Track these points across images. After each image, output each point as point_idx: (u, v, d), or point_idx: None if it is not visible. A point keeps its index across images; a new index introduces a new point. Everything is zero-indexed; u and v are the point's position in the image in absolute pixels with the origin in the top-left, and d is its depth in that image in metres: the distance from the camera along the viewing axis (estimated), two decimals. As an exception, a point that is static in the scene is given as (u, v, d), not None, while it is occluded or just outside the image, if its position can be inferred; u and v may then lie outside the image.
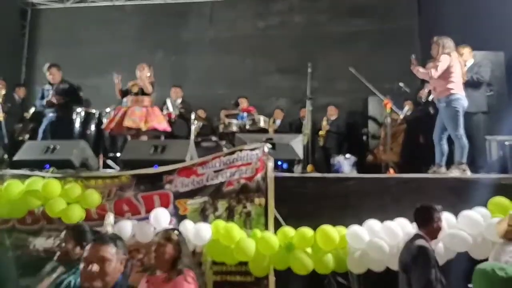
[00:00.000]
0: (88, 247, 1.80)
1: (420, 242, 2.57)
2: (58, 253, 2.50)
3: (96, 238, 1.85)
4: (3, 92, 6.04)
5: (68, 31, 9.48)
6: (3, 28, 8.83)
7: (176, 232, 2.63)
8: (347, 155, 5.44)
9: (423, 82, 5.18)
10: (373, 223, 3.16)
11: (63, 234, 2.58)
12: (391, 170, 4.44)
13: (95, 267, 1.72)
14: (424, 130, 5.21)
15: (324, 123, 7.12)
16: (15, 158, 4.23)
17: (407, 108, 6.06)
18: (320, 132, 7.06)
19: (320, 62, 8.03)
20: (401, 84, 5.29)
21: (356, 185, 3.73)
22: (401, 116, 5.88)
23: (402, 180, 3.81)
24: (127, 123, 4.91)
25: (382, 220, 3.21)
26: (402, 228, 3.09)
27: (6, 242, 3.71)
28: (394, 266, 2.85)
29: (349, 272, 3.22)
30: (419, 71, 4.42)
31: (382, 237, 3.07)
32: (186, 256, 2.52)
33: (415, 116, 5.89)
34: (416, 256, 2.49)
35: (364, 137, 6.99)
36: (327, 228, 3.14)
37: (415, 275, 2.46)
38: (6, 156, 4.71)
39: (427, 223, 2.66)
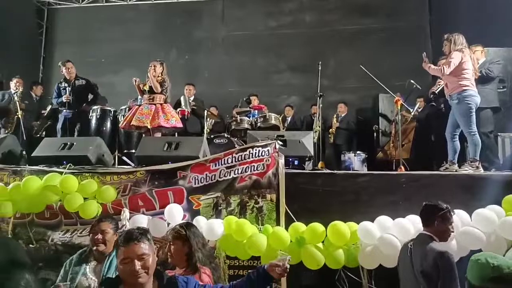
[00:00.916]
0: (123, 248, 1.80)
1: (437, 246, 2.48)
2: None
3: (127, 238, 1.83)
4: (21, 90, 6.21)
5: (83, 30, 9.68)
6: (21, 28, 9.04)
7: (182, 228, 2.59)
8: (358, 152, 5.45)
9: (435, 79, 5.16)
10: (384, 219, 3.19)
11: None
12: (402, 167, 4.43)
13: (137, 266, 1.75)
14: (436, 127, 5.20)
15: (334, 120, 7.15)
16: (34, 154, 4.34)
17: (418, 105, 6.04)
18: (330, 129, 7.10)
19: (331, 60, 8.08)
20: (412, 81, 5.26)
21: (367, 182, 3.75)
22: (412, 113, 5.87)
23: (413, 177, 3.81)
24: (134, 122, 5.02)
25: (392, 217, 3.23)
26: (414, 225, 3.09)
27: (24, 236, 3.83)
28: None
29: (360, 267, 3.25)
30: (431, 68, 4.41)
31: (393, 233, 3.10)
32: (199, 250, 2.52)
33: (426, 113, 5.86)
34: (441, 265, 2.39)
35: (375, 134, 6.98)
36: (338, 223, 3.18)
37: (443, 286, 2.37)
38: (24, 152, 4.83)
39: (430, 222, 2.59)
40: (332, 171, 4.04)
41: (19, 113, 5.87)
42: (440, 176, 3.91)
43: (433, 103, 5.36)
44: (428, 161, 5.19)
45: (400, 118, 4.99)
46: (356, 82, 8.01)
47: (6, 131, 6.02)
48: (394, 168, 5.03)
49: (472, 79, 4.28)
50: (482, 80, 4.57)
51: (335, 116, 7.23)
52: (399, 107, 4.94)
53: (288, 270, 2.01)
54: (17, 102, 5.93)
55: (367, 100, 7.88)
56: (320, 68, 5.26)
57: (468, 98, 4.19)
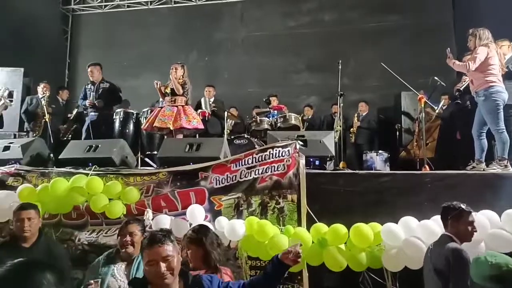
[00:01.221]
0: (147, 250, 1.84)
1: (453, 244, 2.47)
2: None
3: (151, 241, 1.87)
4: (48, 94, 6.42)
5: (106, 34, 9.94)
6: (47, 34, 9.34)
7: (194, 232, 2.58)
8: (380, 151, 5.36)
9: (459, 76, 5.02)
10: (409, 220, 3.11)
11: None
12: (427, 167, 4.33)
13: (163, 267, 1.80)
14: (461, 125, 5.06)
15: (355, 119, 7.06)
16: (61, 156, 4.47)
17: (443, 102, 5.89)
18: (352, 129, 7.02)
19: (351, 59, 7.98)
20: (436, 78, 5.14)
21: (390, 182, 3.68)
22: (437, 111, 5.73)
23: (438, 177, 3.71)
24: (156, 123, 5.10)
25: (417, 217, 3.16)
26: (440, 226, 3.00)
27: (53, 236, 3.95)
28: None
29: (385, 269, 3.19)
30: (456, 64, 4.30)
31: (418, 235, 3.02)
32: (214, 251, 2.50)
33: (451, 110, 5.72)
34: (452, 261, 2.39)
35: (397, 133, 6.86)
36: (361, 225, 3.12)
37: (453, 282, 2.37)
38: (52, 155, 4.97)
39: (446, 224, 2.59)
40: (354, 171, 3.99)
41: (47, 117, 6.06)
42: (467, 176, 3.80)
43: (458, 101, 5.21)
44: (454, 160, 5.06)
45: (424, 116, 4.87)
46: (377, 81, 7.90)
47: (34, 135, 6.23)
48: (418, 168, 4.92)
49: (499, 75, 4.14)
50: (510, 75, 4.42)
51: (356, 115, 7.16)
52: (422, 105, 4.83)
53: (300, 255, 2.03)
54: (44, 106, 6.13)
55: (389, 99, 7.74)
56: (340, 67, 5.21)
57: (495, 94, 4.06)
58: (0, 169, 4.36)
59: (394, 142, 6.93)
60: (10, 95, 6.55)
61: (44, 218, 3.92)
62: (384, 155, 5.33)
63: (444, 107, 5.96)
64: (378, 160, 5.19)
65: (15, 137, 6.31)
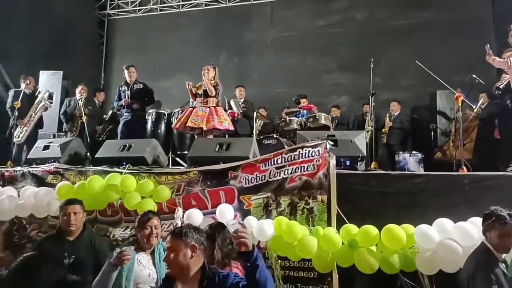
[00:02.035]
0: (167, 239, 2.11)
1: (482, 256, 2.37)
2: None
3: (170, 232, 2.14)
4: (85, 96, 6.68)
5: (140, 38, 10.25)
6: (85, 39, 9.79)
7: (209, 227, 2.64)
8: (413, 152, 5.20)
9: (499, 73, 4.79)
10: (443, 222, 3.00)
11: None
12: (464, 168, 4.15)
13: (168, 257, 2.04)
14: (501, 125, 4.82)
15: (387, 119, 6.89)
16: (97, 155, 4.64)
17: (482, 101, 5.64)
18: (383, 129, 6.86)
19: (382, 58, 7.81)
20: (474, 75, 4.92)
21: (424, 183, 3.56)
22: (475, 110, 5.48)
23: (476, 178, 3.54)
24: (189, 123, 5.18)
25: (452, 220, 3.03)
26: (478, 228, 2.88)
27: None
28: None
29: (420, 273, 3.09)
30: (496, 61, 4.11)
31: (454, 237, 2.90)
32: (226, 248, 2.53)
33: (490, 109, 5.46)
34: (474, 273, 2.31)
35: (432, 133, 6.62)
36: (393, 227, 3.03)
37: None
38: (88, 154, 5.17)
39: (485, 231, 2.48)
40: (387, 172, 3.88)
41: (83, 118, 6.31)
42: (507, 178, 3.61)
43: (498, 99, 4.97)
44: (493, 161, 4.83)
45: (461, 115, 4.67)
46: (410, 79, 7.68)
47: (72, 135, 6.51)
48: (454, 169, 4.73)
49: (543, 71, 3.92)
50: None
51: (387, 115, 6.98)
52: (460, 104, 4.63)
53: (240, 234, 1.88)
54: (82, 108, 6.38)
55: (423, 98, 7.51)
56: (372, 66, 5.10)
57: (539, 92, 3.85)
58: (40, 167, 4.59)
59: (429, 143, 6.70)
60: (50, 97, 6.87)
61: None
62: (418, 156, 5.16)
63: (482, 106, 5.70)
64: (411, 161, 5.04)
65: (54, 137, 6.63)
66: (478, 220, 2.90)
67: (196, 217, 3.52)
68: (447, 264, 2.85)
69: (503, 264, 2.40)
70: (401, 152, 5.36)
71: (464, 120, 5.27)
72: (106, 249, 3.21)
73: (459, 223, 2.94)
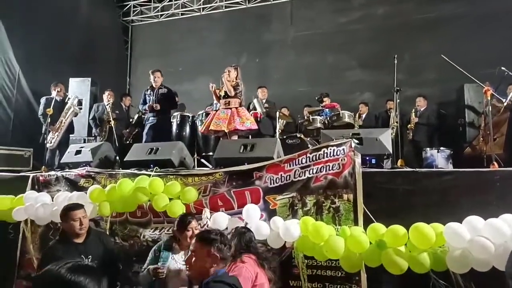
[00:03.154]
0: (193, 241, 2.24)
1: None
2: None
3: (198, 235, 2.29)
4: (112, 101, 6.89)
5: (163, 42, 10.47)
6: (110, 45, 10.09)
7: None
8: (441, 148, 5.07)
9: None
10: (474, 219, 2.92)
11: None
12: (495, 164, 4.02)
13: (189, 260, 2.17)
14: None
15: (413, 115, 6.75)
16: (125, 159, 4.76)
17: (512, 94, 5.45)
18: (409, 125, 6.72)
19: (406, 53, 7.66)
20: (503, 68, 4.76)
21: (453, 180, 3.46)
22: (505, 103, 5.30)
23: (508, 174, 3.42)
24: (212, 126, 5.25)
25: (485, 218, 2.96)
26: (510, 225, 2.80)
27: (120, 233, 4.24)
28: (501, 266, 2.60)
29: (451, 272, 3.02)
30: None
31: (485, 235, 2.83)
32: (235, 246, 2.69)
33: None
34: None
35: (460, 128, 6.44)
36: (421, 225, 2.97)
37: None
38: (117, 157, 5.33)
39: None
40: (414, 169, 3.80)
41: (112, 122, 6.51)
42: (541, 173, 3.48)
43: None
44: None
45: (490, 109, 4.54)
46: (435, 74, 7.50)
47: (101, 139, 6.72)
48: (485, 165, 4.59)
49: None
50: None
51: (413, 111, 6.83)
52: (489, 98, 4.50)
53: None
54: (109, 113, 6.58)
55: (450, 92, 7.32)
56: (396, 62, 5.02)
57: None
58: (73, 171, 4.77)
59: (457, 138, 6.53)
60: (80, 103, 7.12)
61: (113, 216, 4.24)
62: (446, 152, 5.03)
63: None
64: (439, 158, 4.91)
65: (84, 142, 6.87)
66: (510, 217, 2.83)
67: (222, 220, 3.58)
68: (479, 262, 2.78)
69: None
70: (428, 149, 5.23)
71: (494, 114, 5.10)
72: (113, 244, 3.53)
73: (490, 219, 2.86)
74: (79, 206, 3.20)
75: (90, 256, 3.04)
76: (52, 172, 4.93)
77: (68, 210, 3.12)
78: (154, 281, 2.89)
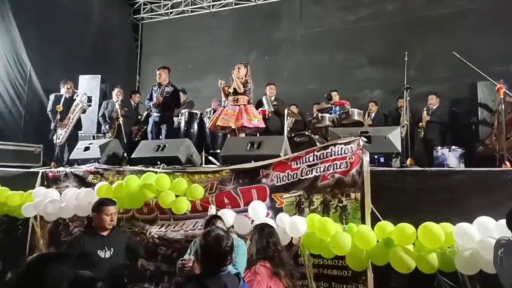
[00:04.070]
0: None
1: None
2: None
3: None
4: (121, 98, 6.92)
5: (173, 40, 10.51)
6: (120, 43, 10.15)
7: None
8: (453, 147, 4.97)
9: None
10: (484, 220, 2.87)
11: None
12: (507, 163, 3.93)
13: None
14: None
15: (425, 113, 6.63)
16: (133, 156, 4.80)
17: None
18: (420, 123, 6.60)
19: (417, 50, 7.52)
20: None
21: (464, 180, 3.40)
22: (519, 102, 5.17)
23: (522, 174, 3.36)
24: (219, 122, 5.23)
25: (495, 219, 2.89)
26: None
27: (127, 229, 4.25)
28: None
29: (459, 273, 2.96)
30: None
31: (495, 236, 2.76)
32: (255, 245, 2.65)
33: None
34: None
35: (473, 127, 6.30)
36: (430, 224, 2.94)
37: None
38: (125, 154, 5.36)
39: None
40: (423, 168, 3.73)
41: (120, 119, 6.54)
42: (555, 173, 3.38)
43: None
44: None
45: (503, 107, 4.43)
46: (447, 71, 7.35)
47: (110, 136, 6.76)
48: (497, 164, 4.48)
49: None
50: None
51: (425, 109, 6.71)
52: (502, 96, 4.39)
53: None
54: (118, 110, 6.62)
55: (462, 90, 7.16)
56: (406, 59, 4.93)
57: None
58: (82, 167, 4.81)
59: (470, 137, 6.39)
60: (89, 100, 7.18)
61: (119, 212, 4.25)
62: (458, 151, 4.92)
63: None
64: (451, 156, 4.81)
65: (93, 139, 6.92)
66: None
67: (228, 217, 3.56)
68: (488, 264, 2.71)
69: None
70: (439, 148, 5.12)
71: (508, 112, 4.98)
72: (136, 243, 3.61)
73: (501, 220, 2.78)
74: (113, 202, 3.28)
75: (112, 249, 3.12)
76: (61, 168, 4.98)
77: (103, 205, 3.20)
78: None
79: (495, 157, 4.90)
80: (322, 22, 8.98)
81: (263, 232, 2.72)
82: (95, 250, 3.04)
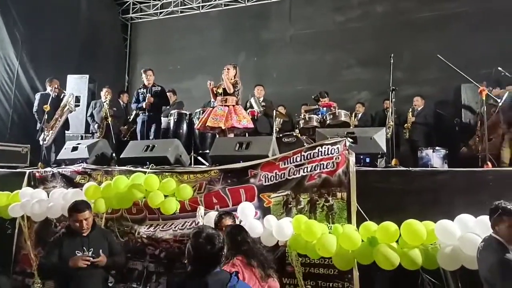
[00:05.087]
0: None
1: (499, 255, 2.35)
2: None
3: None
4: (110, 98, 6.89)
5: (162, 40, 10.47)
6: (109, 42, 10.08)
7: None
8: (437, 148, 5.08)
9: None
10: (465, 217, 2.95)
11: None
12: (489, 164, 4.04)
13: None
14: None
15: (410, 114, 6.76)
16: (122, 156, 4.79)
17: (507, 94, 5.44)
18: (406, 124, 6.72)
19: (405, 52, 7.65)
20: (500, 68, 4.76)
21: (447, 180, 3.48)
22: (500, 104, 5.30)
23: (502, 174, 3.45)
24: (209, 123, 5.27)
25: (476, 217, 2.98)
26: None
27: (115, 229, 4.25)
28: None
29: (441, 269, 3.05)
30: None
31: (476, 232, 2.85)
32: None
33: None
34: (500, 273, 2.30)
35: (456, 128, 6.44)
36: (413, 222, 3.01)
37: None
38: (114, 154, 5.34)
39: (494, 225, 2.49)
40: (407, 168, 3.81)
41: (109, 119, 6.51)
42: (534, 173, 3.49)
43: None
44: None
45: (485, 109, 4.55)
46: (434, 73, 7.48)
47: (98, 136, 6.72)
48: (480, 165, 4.60)
49: None
50: None
51: (410, 110, 6.84)
52: (484, 98, 4.51)
53: None
54: (107, 110, 6.58)
55: (448, 92, 7.30)
56: (392, 61, 5.02)
57: None
58: (69, 168, 4.79)
59: (454, 138, 6.53)
60: (77, 100, 7.12)
61: (108, 213, 4.25)
62: (442, 152, 5.03)
63: (508, 100, 5.50)
64: (434, 157, 4.92)
65: (81, 139, 6.88)
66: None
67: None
68: (469, 259, 2.79)
69: None
70: (424, 148, 5.23)
71: (490, 115, 5.10)
72: (117, 243, 3.53)
73: (481, 217, 2.88)
74: (85, 208, 3.20)
75: (92, 249, 3.11)
76: (48, 169, 4.95)
77: (74, 211, 3.15)
78: None
79: (478, 158, 5.03)
80: (312, 23, 9.05)
81: (233, 235, 2.76)
82: (73, 250, 3.06)
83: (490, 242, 2.49)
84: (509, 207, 2.46)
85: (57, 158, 5.22)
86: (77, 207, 3.18)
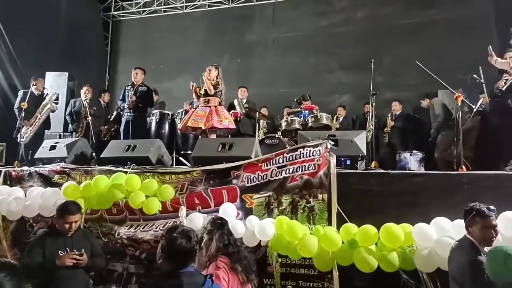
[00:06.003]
0: None
1: (471, 255, 2.44)
2: None
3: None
4: (90, 97, 6.76)
5: (144, 39, 10.36)
6: (90, 40, 9.89)
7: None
8: (414, 151, 5.22)
9: (500, 73, 4.81)
10: (441, 220, 3.06)
11: None
12: (463, 167, 4.18)
13: None
14: (502, 124, 4.84)
15: (389, 119, 6.93)
16: (102, 155, 4.72)
17: (482, 101, 5.65)
18: (385, 128, 6.89)
19: (386, 57, 7.83)
20: (475, 75, 4.94)
21: (424, 182, 3.58)
22: (475, 110, 5.50)
23: (476, 178, 3.57)
24: (189, 123, 5.26)
25: (452, 219, 3.08)
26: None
27: (95, 230, 4.18)
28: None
29: (419, 271, 3.13)
30: (498, 62, 4.15)
31: (451, 235, 2.95)
32: (217, 242, 2.67)
33: (491, 109, 5.46)
34: (470, 273, 2.38)
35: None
36: (391, 225, 3.09)
37: None
38: (94, 154, 5.25)
39: (467, 227, 2.58)
40: (386, 171, 3.91)
41: (89, 118, 6.40)
42: (506, 176, 3.63)
43: (498, 99, 4.98)
44: (494, 160, 4.84)
45: (460, 115, 4.70)
46: (414, 79, 7.69)
47: (77, 135, 6.59)
48: (455, 168, 4.75)
49: (544, 72, 3.94)
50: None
51: (389, 114, 7.01)
52: (459, 104, 4.66)
53: None
54: (87, 109, 6.47)
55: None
56: (373, 66, 5.13)
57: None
58: (47, 167, 4.68)
59: (431, 142, 6.71)
60: (57, 98, 6.96)
61: (87, 213, 4.18)
62: (419, 155, 5.18)
63: (483, 106, 5.71)
64: (412, 160, 5.06)
65: (60, 137, 6.72)
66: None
67: (197, 220, 3.59)
68: (444, 262, 2.88)
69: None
70: (401, 152, 5.38)
71: (465, 120, 5.28)
72: (99, 245, 3.50)
73: (457, 220, 2.98)
74: (76, 210, 3.16)
75: (75, 250, 3.09)
76: (25, 168, 4.82)
77: (65, 212, 3.10)
78: None
79: (453, 162, 5.19)
80: (295, 27, 9.16)
81: (223, 229, 2.77)
82: (56, 250, 3.02)
83: (463, 243, 2.58)
84: (482, 209, 2.54)
85: (35, 156, 5.10)
86: (69, 209, 3.13)
